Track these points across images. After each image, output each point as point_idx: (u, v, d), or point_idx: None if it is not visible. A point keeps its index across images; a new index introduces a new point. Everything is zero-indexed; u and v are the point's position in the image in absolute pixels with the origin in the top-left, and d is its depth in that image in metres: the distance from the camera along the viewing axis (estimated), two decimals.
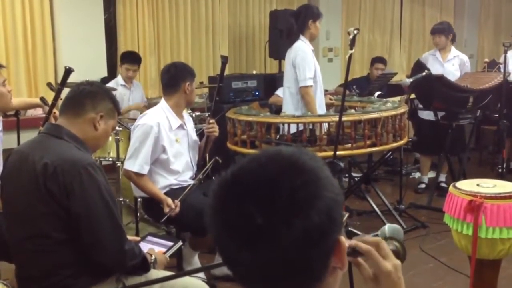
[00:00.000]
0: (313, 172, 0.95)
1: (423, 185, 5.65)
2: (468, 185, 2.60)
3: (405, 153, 5.01)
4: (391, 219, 4.55)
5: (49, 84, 4.19)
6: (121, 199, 4.47)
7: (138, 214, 4.17)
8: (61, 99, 3.13)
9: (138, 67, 5.55)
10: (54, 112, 3.04)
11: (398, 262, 1.14)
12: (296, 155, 0.97)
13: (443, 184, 5.49)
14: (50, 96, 4.57)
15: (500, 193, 2.47)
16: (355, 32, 3.10)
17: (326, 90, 6.47)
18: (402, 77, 8.69)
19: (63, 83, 3.07)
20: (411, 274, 3.62)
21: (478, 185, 2.59)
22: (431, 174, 5.77)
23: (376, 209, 4.56)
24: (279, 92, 5.79)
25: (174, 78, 3.41)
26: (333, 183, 0.97)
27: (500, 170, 5.28)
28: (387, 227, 1.50)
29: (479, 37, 10.28)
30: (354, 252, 1.17)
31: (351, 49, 3.06)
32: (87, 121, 2.20)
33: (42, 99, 3.11)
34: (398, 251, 1.38)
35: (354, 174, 5.37)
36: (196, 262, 3.53)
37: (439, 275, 3.70)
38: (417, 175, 6.08)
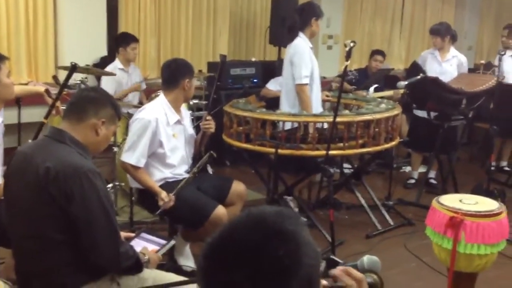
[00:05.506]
0: (294, 239, 1.06)
1: (412, 181, 5.77)
2: (451, 200, 2.71)
3: (397, 146, 5.08)
4: (378, 215, 4.69)
5: (54, 78, 4.26)
6: (116, 183, 4.58)
7: (133, 198, 4.27)
8: (65, 92, 3.21)
9: None
10: (57, 106, 3.12)
11: None
12: (278, 222, 1.07)
13: (432, 181, 5.63)
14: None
15: (480, 211, 2.59)
16: (352, 44, 3.19)
17: (324, 78, 6.50)
18: (400, 67, 8.77)
19: (68, 78, 3.14)
20: (395, 273, 3.74)
21: (460, 201, 2.70)
22: (422, 169, 5.89)
23: (365, 205, 4.68)
24: (270, 85, 5.86)
25: (174, 74, 3.48)
26: (312, 247, 1.08)
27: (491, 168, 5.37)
28: (366, 259, 1.61)
29: (479, 28, 10.24)
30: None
31: (347, 60, 3.14)
32: (89, 127, 2.28)
33: (47, 91, 3.18)
34: (376, 285, 1.49)
35: (345, 166, 5.45)
36: (187, 252, 3.64)
37: (421, 275, 3.81)
38: (407, 169, 6.19)
